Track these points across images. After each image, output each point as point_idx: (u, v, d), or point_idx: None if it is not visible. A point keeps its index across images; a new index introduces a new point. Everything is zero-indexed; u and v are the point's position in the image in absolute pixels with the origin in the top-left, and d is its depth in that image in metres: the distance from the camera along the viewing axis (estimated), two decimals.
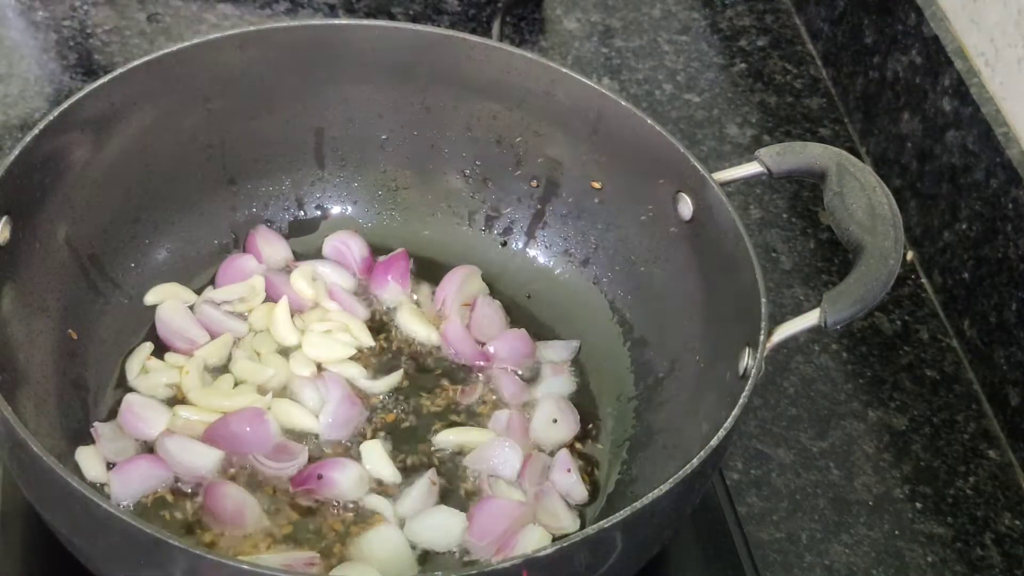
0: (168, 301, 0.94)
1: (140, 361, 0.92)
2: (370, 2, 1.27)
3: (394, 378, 0.93)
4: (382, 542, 0.84)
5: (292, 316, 0.95)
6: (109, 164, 0.91)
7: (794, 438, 0.99)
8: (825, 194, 0.86)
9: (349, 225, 1.01)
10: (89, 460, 0.85)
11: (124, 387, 0.90)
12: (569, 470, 0.89)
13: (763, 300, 0.81)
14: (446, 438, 0.90)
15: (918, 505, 0.96)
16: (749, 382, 0.79)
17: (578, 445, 0.92)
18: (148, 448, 0.87)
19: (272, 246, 0.99)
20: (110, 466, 0.86)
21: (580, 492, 0.88)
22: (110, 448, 0.86)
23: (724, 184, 0.88)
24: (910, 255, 1.12)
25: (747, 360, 0.81)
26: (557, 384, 0.95)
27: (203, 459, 0.86)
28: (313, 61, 0.96)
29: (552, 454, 0.90)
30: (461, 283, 0.98)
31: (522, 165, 1.00)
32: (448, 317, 0.97)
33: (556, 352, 0.97)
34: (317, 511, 0.86)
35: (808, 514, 0.95)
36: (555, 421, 0.92)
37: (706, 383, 0.88)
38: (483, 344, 0.96)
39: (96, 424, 0.87)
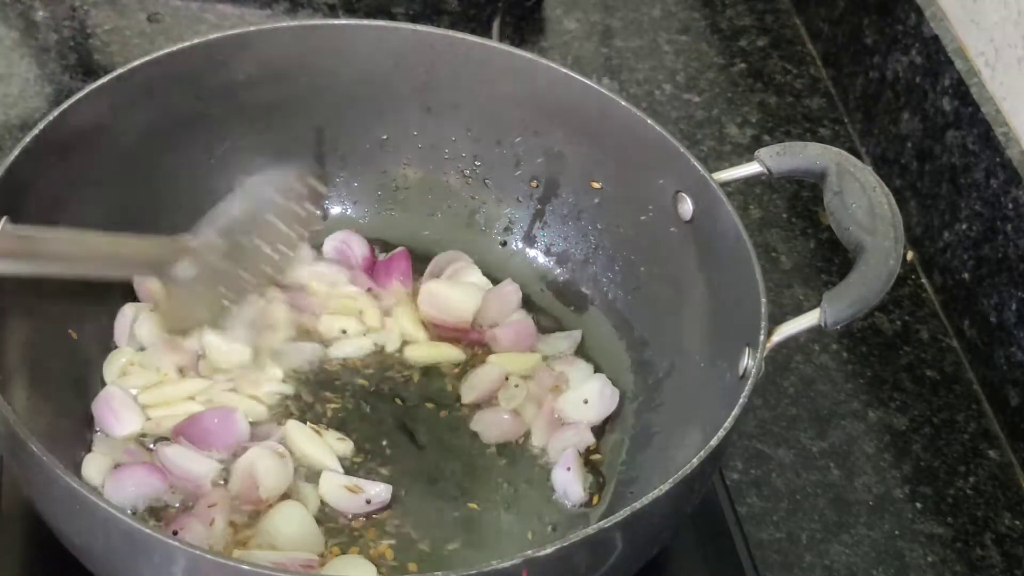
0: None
1: (119, 364, 0.91)
2: (370, 2, 1.27)
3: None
4: (287, 519, 0.84)
5: (292, 317, 0.95)
6: (109, 164, 0.91)
7: (794, 438, 0.99)
8: (825, 194, 0.86)
9: (349, 225, 1.01)
10: (89, 462, 0.85)
11: None
12: (569, 468, 0.88)
13: (763, 300, 0.81)
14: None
15: (918, 505, 0.96)
16: (749, 382, 0.79)
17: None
18: (145, 449, 0.87)
19: None
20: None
21: (579, 493, 0.88)
22: (109, 450, 0.86)
23: (724, 184, 0.88)
24: (910, 255, 1.12)
25: (747, 360, 0.81)
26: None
27: (201, 467, 0.85)
28: (313, 61, 0.96)
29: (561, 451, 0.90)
30: (437, 262, 0.99)
31: (522, 165, 1.00)
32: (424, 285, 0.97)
33: (557, 344, 0.96)
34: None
35: (808, 514, 0.95)
36: (586, 402, 0.92)
37: (706, 383, 0.87)
38: (490, 328, 0.96)
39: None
